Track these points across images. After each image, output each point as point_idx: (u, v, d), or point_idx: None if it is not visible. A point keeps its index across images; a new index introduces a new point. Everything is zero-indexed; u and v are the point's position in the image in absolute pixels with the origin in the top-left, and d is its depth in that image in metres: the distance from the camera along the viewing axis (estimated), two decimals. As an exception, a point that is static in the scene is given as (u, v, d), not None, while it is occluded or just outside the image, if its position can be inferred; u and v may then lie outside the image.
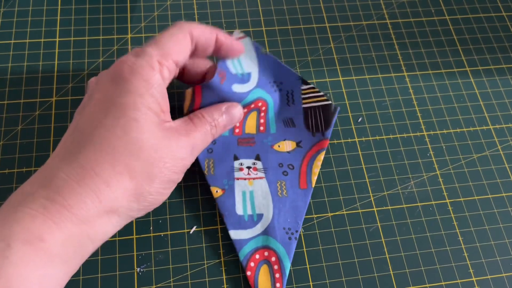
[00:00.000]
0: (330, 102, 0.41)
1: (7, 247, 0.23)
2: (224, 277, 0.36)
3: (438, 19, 0.50)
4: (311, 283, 0.36)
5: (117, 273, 0.35)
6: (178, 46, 0.32)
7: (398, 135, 0.43)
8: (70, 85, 0.42)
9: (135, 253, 0.36)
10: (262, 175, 0.38)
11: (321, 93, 0.41)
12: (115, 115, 0.29)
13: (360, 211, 0.39)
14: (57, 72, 0.43)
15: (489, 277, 0.37)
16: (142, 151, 0.29)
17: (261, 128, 0.40)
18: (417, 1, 0.50)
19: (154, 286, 0.35)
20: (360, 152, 0.42)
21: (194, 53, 0.35)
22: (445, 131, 0.43)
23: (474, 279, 0.37)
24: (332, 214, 0.39)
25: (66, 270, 0.26)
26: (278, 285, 0.35)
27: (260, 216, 0.37)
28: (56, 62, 0.43)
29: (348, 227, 0.38)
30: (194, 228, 0.37)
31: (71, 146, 0.29)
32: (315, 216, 0.38)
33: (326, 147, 0.40)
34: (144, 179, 0.29)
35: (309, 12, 0.49)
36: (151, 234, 0.37)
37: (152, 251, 0.36)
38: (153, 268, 0.36)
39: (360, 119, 0.43)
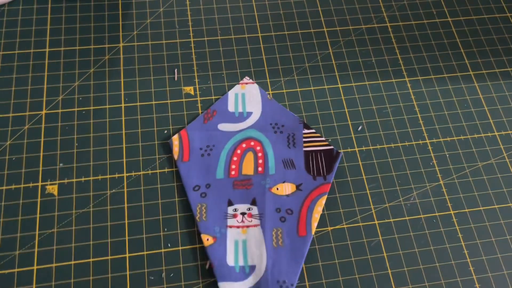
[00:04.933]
0: (332, 147, 0.39)
1: None
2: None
3: (440, 21, 0.48)
4: (310, 302, 0.35)
5: (110, 293, 0.34)
6: None
7: (399, 144, 0.41)
8: (61, 97, 0.41)
9: None
10: (257, 222, 0.36)
11: (323, 138, 0.40)
12: None
13: (361, 224, 0.38)
14: (47, 84, 0.42)
15: (496, 292, 0.36)
16: None
17: (259, 169, 0.39)
18: (418, 3, 0.49)
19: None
20: (360, 162, 0.40)
21: None
22: (448, 139, 0.42)
23: (480, 294, 0.36)
24: (331, 228, 0.37)
25: None
26: None
27: (252, 268, 0.35)
28: (46, 74, 0.42)
29: (349, 241, 0.37)
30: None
31: None
32: (315, 230, 0.37)
33: (328, 192, 0.38)
34: None
35: (306, 17, 0.47)
36: None
37: None
38: (146, 288, 0.34)
39: (360, 128, 0.42)
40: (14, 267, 0.34)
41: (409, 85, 0.44)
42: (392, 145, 0.41)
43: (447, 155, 0.41)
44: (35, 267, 0.34)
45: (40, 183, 0.37)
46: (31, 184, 0.37)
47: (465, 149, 0.41)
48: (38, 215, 0.36)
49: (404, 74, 0.45)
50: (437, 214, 0.39)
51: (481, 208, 0.39)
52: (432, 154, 0.41)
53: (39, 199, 0.37)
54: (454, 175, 0.40)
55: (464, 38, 0.47)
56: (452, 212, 0.39)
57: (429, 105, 0.43)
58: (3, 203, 0.36)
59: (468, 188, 0.40)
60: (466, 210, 0.39)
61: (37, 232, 0.36)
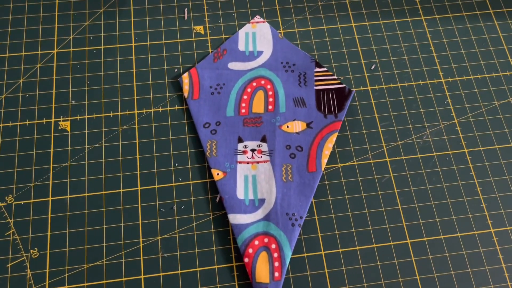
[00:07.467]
0: (343, 85, 0.39)
1: None
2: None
3: (460, -42, 0.46)
4: (319, 234, 0.35)
5: None
6: None
7: (413, 83, 0.40)
8: (71, 36, 0.41)
9: None
10: (267, 158, 0.36)
11: (334, 77, 0.39)
12: None
13: (371, 161, 0.37)
14: (57, 24, 0.42)
15: (508, 228, 0.35)
16: None
17: (270, 107, 0.38)
18: None
19: None
20: (372, 101, 0.39)
21: None
22: (464, 78, 0.41)
23: (492, 230, 0.35)
24: (342, 164, 0.37)
25: None
26: (276, 274, 0.33)
27: (262, 201, 0.35)
28: (56, 14, 0.42)
29: (359, 178, 0.37)
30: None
31: None
32: (324, 166, 0.37)
33: (339, 129, 0.37)
34: None
35: (319, -45, 0.46)
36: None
37: None
38: None
39: (373, 67, 0.41)
40: (30, 198, 0.35)
41: (425, 23, 0.43)
42: (406, 83, 0.40)
43: (463, 94, 0.40)
44: (50, 198, 0.35)
45: (53, 119, 0.38)
46: (44, 120, 0.38)
47: (482, 88, 0.40)
48: (52, 150, 0.37)
49: (420, 13, 0.43)
50: (450, 152, 0.38)
51: (496, 147, 0.38)
52: (447, 93, 0.40)
53: (52, 135, 0.37)
54: (470, 113, 0.39)
55: (485, -25, 0.45)
56: (466, 150, 0.38)
57: (445, 44, 0.42)
58: (18, 138, 0.37)
59: (483, 127, 0.39)
60: (481, 148, 0.38)
61: (51, 166, 0.36)
